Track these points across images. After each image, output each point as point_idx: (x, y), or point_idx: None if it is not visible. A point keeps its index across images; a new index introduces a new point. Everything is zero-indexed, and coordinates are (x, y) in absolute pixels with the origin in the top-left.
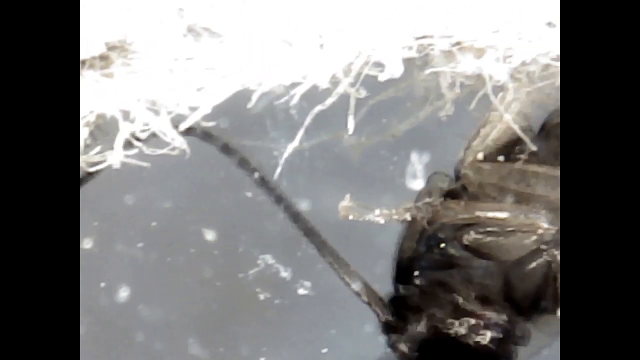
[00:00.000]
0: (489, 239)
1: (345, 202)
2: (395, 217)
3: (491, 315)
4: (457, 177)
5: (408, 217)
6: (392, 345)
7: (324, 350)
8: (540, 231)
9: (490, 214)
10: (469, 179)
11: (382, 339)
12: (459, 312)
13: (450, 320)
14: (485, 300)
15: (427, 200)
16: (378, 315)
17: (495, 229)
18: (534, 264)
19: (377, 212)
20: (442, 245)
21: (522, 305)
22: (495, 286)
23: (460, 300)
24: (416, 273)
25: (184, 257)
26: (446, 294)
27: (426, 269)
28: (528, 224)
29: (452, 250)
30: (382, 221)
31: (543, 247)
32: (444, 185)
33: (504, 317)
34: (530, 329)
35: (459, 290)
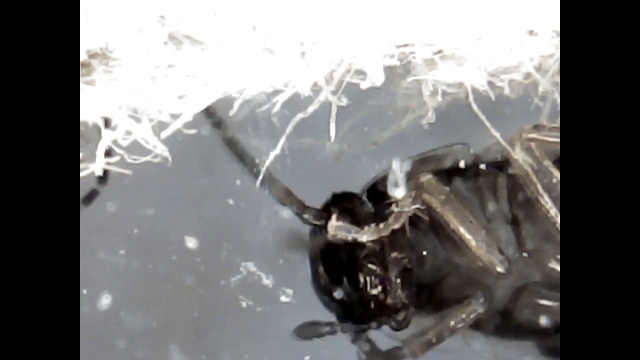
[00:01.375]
0: (450, 234)
1: (334, 221)
2: (383, 232)
3: (398, 283)
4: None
5: (396, 225)
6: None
7: (306, 358)
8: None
9: (459, 229)
10: (515, 157)
11: (364, 346)
12: (382, 256)
13: (368, 254)
14: (407, 270)
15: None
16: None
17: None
18: (469, 302)
19: (366, 229)
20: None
21: (434, 302)
22: (428, 269)
23: (393, 253)
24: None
25: (165, 264)
26: (389, 236)
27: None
28: (484, 258)
29: (421, 214)
30: (369, 238)
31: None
32: (461, 160)
33: (405, 295)
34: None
35: (400, 244)
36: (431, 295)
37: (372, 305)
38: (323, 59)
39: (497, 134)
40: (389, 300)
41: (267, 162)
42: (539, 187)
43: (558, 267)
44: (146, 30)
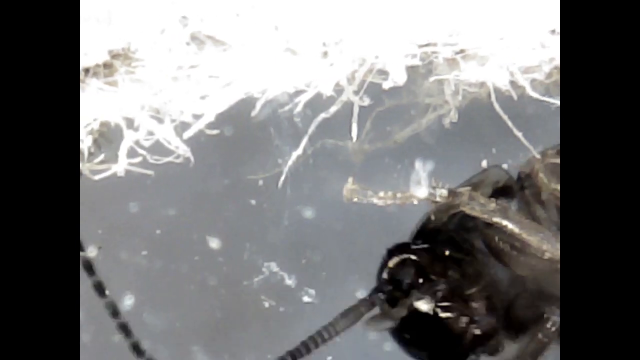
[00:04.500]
0: (508, 248)
1: (349, 184)
2: (399, 200)
3: (483, 313)
4: (519, 178)
5: (415, 201)
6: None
7: (329, 358)
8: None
9: (511, 227)
10: (539, 177)
11: (387, 346)
12: (458, 295)
13: (444, 297)
14: (486, 298)
15: (463, 188)
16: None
17: (513, 242)
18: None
19: (381, 194)
20: (469, 233)
21: (513, 323)
22: (501, 291)
23: (466, 285)
24: (436, 242)
25: (188, 264)
26: (455, 273)
27: (446, 244)
28: (549, 250)
29: (476, 241)
30: (383, 203)
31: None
32: (500, 180)
33: (493, 322)
34: (505, 346)
35: (468, 276)
36: (507, 319)
37: (467, 342)
38: (345, 59)
39: (519, 134)
40: (480, 331)
41: (289, 162)
42: None
43: None
44: (168, 31)
